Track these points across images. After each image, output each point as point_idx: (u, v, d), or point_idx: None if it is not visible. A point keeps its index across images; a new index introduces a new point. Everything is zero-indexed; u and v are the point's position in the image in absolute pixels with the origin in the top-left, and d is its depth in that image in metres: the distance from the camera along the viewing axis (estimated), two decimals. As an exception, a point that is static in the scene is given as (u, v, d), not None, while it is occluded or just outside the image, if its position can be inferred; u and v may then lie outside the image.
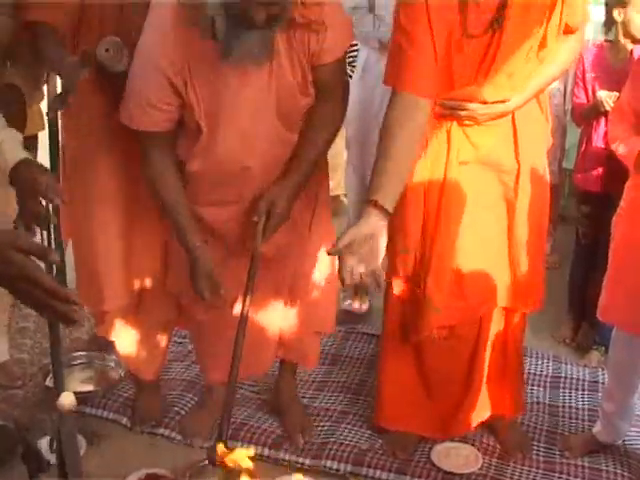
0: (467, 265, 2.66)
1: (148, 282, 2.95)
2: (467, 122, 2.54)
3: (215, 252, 2.66)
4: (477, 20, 2.41)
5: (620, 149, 2.80)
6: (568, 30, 2.52)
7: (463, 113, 2.52)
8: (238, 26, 2.23)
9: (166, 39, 2.36)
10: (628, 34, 3.54)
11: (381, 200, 2.16)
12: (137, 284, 2.93)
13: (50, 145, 3.53)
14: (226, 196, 2.61)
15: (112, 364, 3.44)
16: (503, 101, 2.51)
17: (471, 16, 2.40)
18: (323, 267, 2.84)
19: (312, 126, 2.57)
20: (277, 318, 2.86)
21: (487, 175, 2.62)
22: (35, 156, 3.88)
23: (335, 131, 2.66)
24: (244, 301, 2.47)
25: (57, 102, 2.72)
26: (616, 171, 3.09)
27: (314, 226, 2.79)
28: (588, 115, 3.67)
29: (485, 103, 2.49)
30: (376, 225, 2.15)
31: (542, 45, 2.48)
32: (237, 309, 2.66)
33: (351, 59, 4.88)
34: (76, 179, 2.91)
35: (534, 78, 2.54)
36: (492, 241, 2.68)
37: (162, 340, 3.12)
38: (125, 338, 3.06)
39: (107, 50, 2.68)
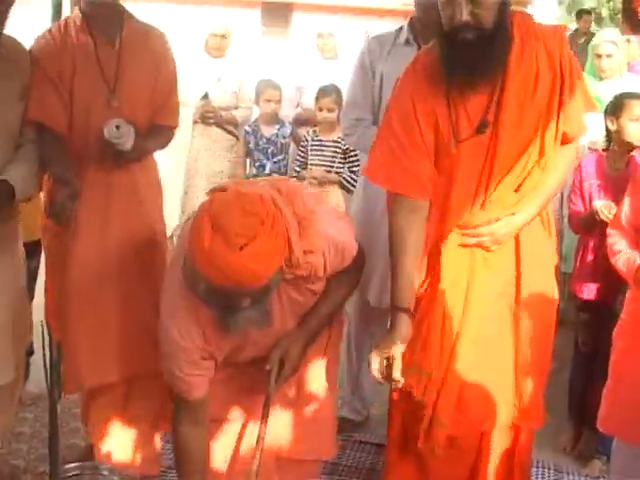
0: (473, 381, 2.64)
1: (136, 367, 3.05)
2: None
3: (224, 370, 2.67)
4: (465, 123, 2.50)
5: (619, 263, 2.85)
6: (566, 139, 2.58)
7: (484, 240, 2.58)
8: (224, 310, 2.28)
9: (186, 326, 2.42)
10: (623, 142, 3.60)
11: (408, 305, 2.53)
12: (124, 366, 3.04)
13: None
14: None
15: (105, 472, 3.34)
16: (513, 214, 2.56)
17: (458, 120, 2.50)
18: (324, 392, 2.82)
19: (330, 285, 2.58)
20: (276, 443, 2.80)
21: (495, 290, 2.64)
22: (38, 261, 3.94)
23: (353, 288, 2.71)
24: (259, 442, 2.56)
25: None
26: (615, 282, 3.13)
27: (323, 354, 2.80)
28: (585, 224, 3.69)
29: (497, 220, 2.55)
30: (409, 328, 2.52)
31: (541, 153, 2.52)
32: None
33: (354, 167, 5.00)
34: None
35: (536, 192, 2.58)
36: (498, 358, 2.67)
37: (152, 438, 3.13)
38: (113, 435, 3.08)
39: (117, 127, 2.80)
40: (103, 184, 3.04)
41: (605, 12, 22.68)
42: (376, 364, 2.49)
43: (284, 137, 5.47)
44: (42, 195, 3.24)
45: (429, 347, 2.64)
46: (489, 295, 2.63)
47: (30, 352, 3.70)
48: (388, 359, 2.47)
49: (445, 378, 2.64)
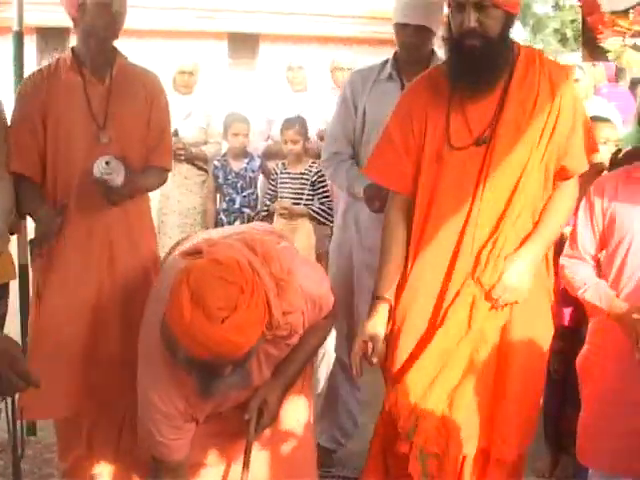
0: (458, 413, 2.68)
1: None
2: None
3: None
4: (464, 133, 2.63)
5: (588, 295, 2.82)
6: (565, 175, 2.68)
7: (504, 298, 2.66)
8: (205, 377, 2.27)
9: (167, 392, 2.41)
10: (592, 165, 3.50)
11: (389, 295, 2.74)
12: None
13: (20, 292, 3.57)
14: None
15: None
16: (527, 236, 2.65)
17: (455, 129, 2.64)
18: (302, 429, 2.83)
19: (305, 336, 2.59)
20: None
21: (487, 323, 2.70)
22: (6, 304, 3.90)
23: (328, 333, 2.76)
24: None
25: (35, 246, 2.82)
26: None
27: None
28: (556, 248, 3.69)
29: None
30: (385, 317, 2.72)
31: (546, 180, 2.65)
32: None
33: (323, 199, 5.00)
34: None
35: (538, 233, 2.67)
36: (480, 385, 2.70)
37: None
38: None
39: (107, 163, 2.82)
40: (85, 224, 3.05)
41: (570, 33, 22.98)
42: (357, 346, 2.71)
43: (253, 171, 5.46)
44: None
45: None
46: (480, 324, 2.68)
47: (-1, 397, 3.66)
48: (367, 342, 2.69)
49: (426, 403, 2.66)
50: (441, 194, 2.69)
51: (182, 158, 5.44)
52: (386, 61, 3.61)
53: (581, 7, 3.91)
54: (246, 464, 2.56)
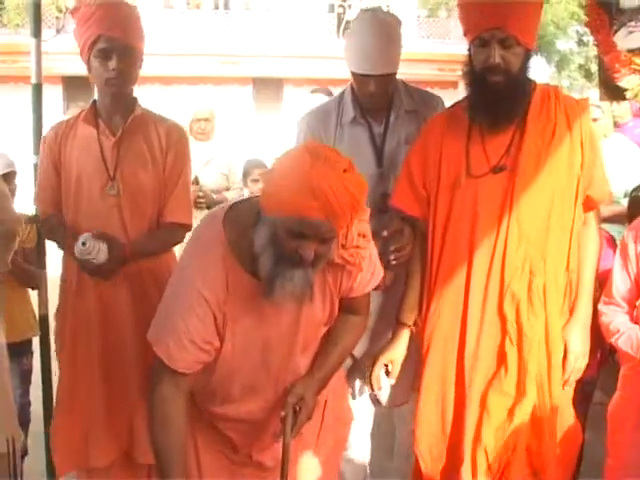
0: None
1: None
2: None
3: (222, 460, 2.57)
4: (482, 162, 2.68)
5: (621, 342, 2.76)
6: (590, 204, 2.72)
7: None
8: (283, 264, 2.18)
9: (214, 274, 2.27)
10: None
11: (410, 322, 2.86)
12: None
13: (41, 343, 3.54)
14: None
15: None
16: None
17: (473, 158, 2.69)
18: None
19: (340, 329, 2.54)
20: None
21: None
22: (31, 361, 3.89)
23: (359, 336, 2.64)
24: None
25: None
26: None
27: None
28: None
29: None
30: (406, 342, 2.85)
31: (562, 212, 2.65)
32: None
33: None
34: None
35: (581, 291, 2.71)
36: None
37: None
38: None
39: (83, 244, 2.77)
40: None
41: (594, 68, 22.99)
42: (378, 369, 2.84)
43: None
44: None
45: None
46: None
47: (24, 453, 3.62)
48: (387, 365, 2.84)
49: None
50: (456, 220, 2.73)
51: (203, 205, 5.41)
52: (340, 98, 3.25)
53: (597, 46, 3.91)
54: (284, 472, 2.37)
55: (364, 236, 2.35)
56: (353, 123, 3.18)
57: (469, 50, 2.68)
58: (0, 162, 3.80)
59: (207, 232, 2.35)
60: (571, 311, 2.72)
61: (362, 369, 2.99)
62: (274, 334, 2.37)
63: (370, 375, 2.87)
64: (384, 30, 3.07)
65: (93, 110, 3.06)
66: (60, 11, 13.40)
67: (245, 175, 5.51)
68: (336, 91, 3.64)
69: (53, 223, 3.09)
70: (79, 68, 3.07)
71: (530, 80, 2.72)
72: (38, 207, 3.16)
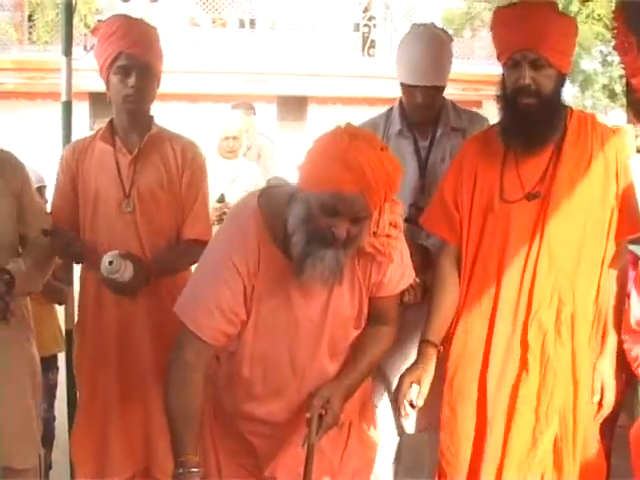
0: None
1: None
2: None
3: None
4: (517, 187, 2.67)
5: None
6: (622, 236, 2.70)
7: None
8: (315, 243, 2.21)
9: (247, 244, 2.32)
10: None
11: (438, 342, 2.77)
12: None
13: (67, 358, 3.58)
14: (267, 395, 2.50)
15: None
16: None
17: (507, 183, 2.67)
18: None
19: (369, 338, 2.53)
20: None
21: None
22: (56, 376, 3.92)
23: (388, 347, 2.63)
24: None
25: None
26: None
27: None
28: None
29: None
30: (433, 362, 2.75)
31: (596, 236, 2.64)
32: None
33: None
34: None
35: (612, 323, 2.71)
36: None
37: None
38: None
39: (110, 263, 2.80)
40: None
41: (619, 88, 22.89)
42: (405, 387, 2.70)
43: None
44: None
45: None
46: None
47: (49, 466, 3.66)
48: (413, 383, 2.72)
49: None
50: (487, 244, 2.74)
51: (229, 223, 5.43)
52: (389, 113, 3.35)
53: (625, 69, 3.90)
54: (307, 474, 2.33)
55: (395, 226, 2.37)
56: (399, 135, 3.27)
57: (502, 74, 2.68)
58: (32, 177, 3.84)
59: (243, 210, 2.40)
60: (602, 343, 2.70)
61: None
62: (300, 322, 2.37)
63: (397, 399, 2.74)
64: (434, 43, 3.15)
65: (110, 128, 3.09)
66: (88, 28, 13.54)
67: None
68: (360, 109, 3.71)
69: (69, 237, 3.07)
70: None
71: (565, 105, 2.70)
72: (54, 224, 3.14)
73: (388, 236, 2.35)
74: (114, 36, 2.96)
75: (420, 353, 2.78)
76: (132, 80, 2.94)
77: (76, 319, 3.23)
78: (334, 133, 2.21)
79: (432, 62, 3.12)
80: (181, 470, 2.23)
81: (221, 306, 2.30)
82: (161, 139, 3.10)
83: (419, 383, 2.73)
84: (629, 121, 4.56)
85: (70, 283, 3.54)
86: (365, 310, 2.48)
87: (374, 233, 2.32)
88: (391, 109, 3.35)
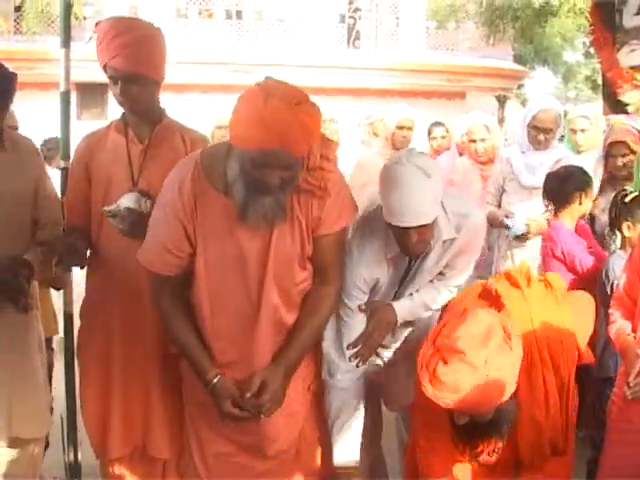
0: None
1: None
2: None
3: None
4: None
5: (612, 333, 2.90)
6: None
7: None
8: (253, 192, 2.45)
9: (183, 193, 2.61)
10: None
11: None
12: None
13: (65, 341, 3.65)
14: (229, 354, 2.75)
15: None
16: None
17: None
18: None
19: (307, 310, 2.72)
20: None
21: None
22: (52, 356, 4.00)
23: (329, 315, 2.81)
24: None
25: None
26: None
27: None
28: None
29: None
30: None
31: None
32: None
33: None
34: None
35: None
36: None
37: None
38: None
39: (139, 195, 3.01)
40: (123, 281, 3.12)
41: (601, 80, 23.01)
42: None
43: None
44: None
45: None
46: None
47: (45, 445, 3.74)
48: None
49: None
50: None
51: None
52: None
53: (601, 63, 4.01)
54: None
55: (328, 159, 2.55)
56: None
57: None
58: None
59: (182, 166, 2.70)
60: None
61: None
62: (246, 254, 2.62)
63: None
64: (419, 181, 2.72)
65: (123, 119, 3.18)
66: (77, 18, 13.51)
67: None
68: (345, 100, 3.65)
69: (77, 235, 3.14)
70: (93, 75, 3.16)
71: None
72: (67, 219, 3.25)
73: (321, 169, 2.54)
74: (101, 46, 3.02)
75: None
76: (118, 89, 3.03)
77: (82, 302, 3.30)
78: (252, 92, 2.42)
79: (422, 201, 2.70)
80: (215, 380, 2.66)
81: (166, 246, 2.67)
82: (172, 130, 3.19)
83: None
84: (605, 113, 4.68)
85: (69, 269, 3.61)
86: (308, 249, 2.66)
87: (307, 167, 2.51)
88: None
